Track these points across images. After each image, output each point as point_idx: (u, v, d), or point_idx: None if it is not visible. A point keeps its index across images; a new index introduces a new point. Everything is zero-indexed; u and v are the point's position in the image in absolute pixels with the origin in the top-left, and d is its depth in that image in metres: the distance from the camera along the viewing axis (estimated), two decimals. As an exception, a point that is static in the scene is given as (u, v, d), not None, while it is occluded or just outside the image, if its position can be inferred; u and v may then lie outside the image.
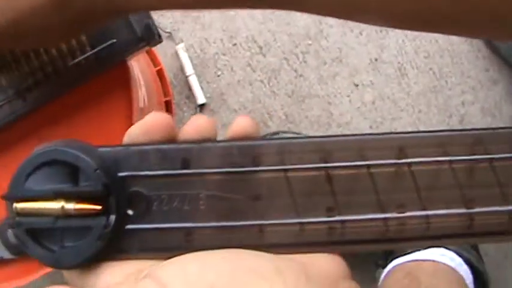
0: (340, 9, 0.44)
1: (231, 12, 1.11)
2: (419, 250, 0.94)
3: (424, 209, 0.35)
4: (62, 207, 0.33)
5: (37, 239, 0.34)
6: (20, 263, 0.68)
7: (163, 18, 1.10)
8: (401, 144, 0.35)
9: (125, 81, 0.68)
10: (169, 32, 1.09)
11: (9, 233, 0.66)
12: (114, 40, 0.64)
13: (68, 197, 0.34)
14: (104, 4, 0.47)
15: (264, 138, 0.36)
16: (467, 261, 0.94)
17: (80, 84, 0.65)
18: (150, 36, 0.65)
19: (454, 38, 1.16)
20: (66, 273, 0.36)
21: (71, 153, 0.34)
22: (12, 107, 0.64)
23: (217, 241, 0.34)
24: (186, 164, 0.35)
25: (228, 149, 0.35)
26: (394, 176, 0.35)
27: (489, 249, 1.12)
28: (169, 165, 0.35)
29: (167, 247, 0.34)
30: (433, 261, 0.92)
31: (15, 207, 0.34)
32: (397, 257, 0.96)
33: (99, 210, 0.34)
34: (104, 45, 0.64)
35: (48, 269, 0.67)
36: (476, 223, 0.35)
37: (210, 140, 0.36)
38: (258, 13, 1.12)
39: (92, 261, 0.34)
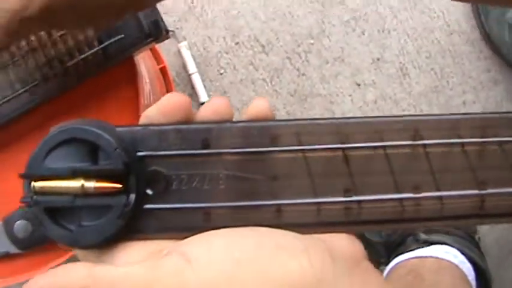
0: None
1: (234, 11, 1.11)
2: (422, 247, 0.95)
3: (438, 190, 0.35)
4: (82, 185, 0.33)
5: (55, 219, 0.34)
6: (26, 258, 0.68)
7: (166, 17, 1.10)
8: (416, 126, 0.36)
9: (131, 76, 0.69)
10: (173, 30, 1.10)
11: (16, 227, 0.66)
12: (122, 35, 0.64)
13: (88, 176, 0.33)
14: None
15: (281, 120, 0.36)
16: (470, 259, 0.94)
17: (87, 79, 0.65)
18: (158, 32, 0.65)
19: (456, 39, 1.17)
20: (80, 254, 0.36)
21: (91, 131, 0.34)
22: (20, 102, 0.64)
23: (236, 220, 0.34)
24: (205, 144, 0.35)
25: (247, 129, 0.36)
26: (409, 158, 0.35)
27: (491, 248, 1.12)
28: (189, 145, 0.35)
29: (186, 227, 0.34)
30: (436, 258, 0.92)
31: (34, 186, 0.34)
32: (399, 254, 0.96)
33: (120, 188, 0.34)
34: (112, 40, 0.64)
35: (55, 263, 0.67)
36: (487, 204, 0.35)
37: (229, 120, 0.36)
38: (260, 12, 1.12)
39: (111, 241, 0.34)
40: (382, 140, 0.35)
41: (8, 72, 0.64)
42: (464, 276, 0.91)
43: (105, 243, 0.33)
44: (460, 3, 1.17)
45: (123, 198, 0.33)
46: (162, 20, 0.65)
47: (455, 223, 0.36)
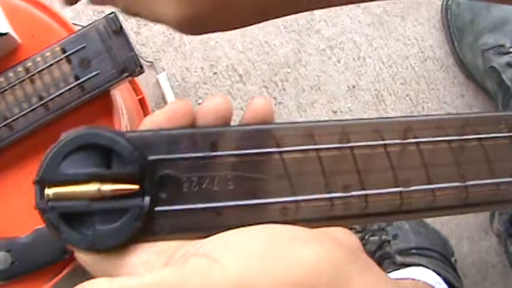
0: None
1: (212, 42, 1.13)
2: (398, 269, 0.96)
3: (430, 183, 0.38)
4: (99, 189, 0.34)
5: (70, 224, 0.34)
6: (6, 289, 0.69)
7: (145, 48, 1.12)
8: (407, 127, 0.39)
9: (107, 110, 0.70)
10: (151, 62, 1.11)
11: (-3, 259, 0.67)
12: (98, 71, 0.66)
13: (103, 180, 0.34)
14: None
15: (283, 122, 0.38)
16: (446, 280, 0.96)
17: (65, 113, 0.67)
18: (133, 68, 0.66)
19: (430, 65, 1.19)
20: (88, 260, 0.36)
21: (107, 136, 0.35)
22: (-1, 137, 0.66)
23: (246, 219, 0.36)
24: (214, 147, 0.37)
25: (252, 132, 0.38)
26: (402, 154, 0.39)
27: (468, 270, 1.13)
28: (198, 148, 0.37)
29: (198, 227, 0.35)
30: (413, 279, 0.93)
31: (48, 193, 0.34)
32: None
33: (137, 190, 0.34)
34: (88, 76, 0.66)
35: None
36: (471, 195, 0.39)
37: (236, 124, 0.38)
38: (238, 42, 1.14)
39: (128, 243, 0.34)
40: (381, 139, 0.39)
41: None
42: (439, 297, 0.92)
43: (122, 245, 0.34)
44: (433, 30, 1.20)
45: (139, 200, 0.34)
46: (136, 55, 0.67)
47: (445, 213, 0.40)
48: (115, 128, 0.35)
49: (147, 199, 0.35)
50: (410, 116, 0.40)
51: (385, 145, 0.39)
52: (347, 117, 1.16)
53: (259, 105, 0.39)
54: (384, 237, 1.02)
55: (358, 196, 0.38)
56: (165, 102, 1.11)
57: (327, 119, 1.13)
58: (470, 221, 1.15)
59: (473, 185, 0.39)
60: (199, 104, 1.12)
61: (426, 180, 0.39)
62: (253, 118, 0.39)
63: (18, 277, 0.68)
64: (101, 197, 0.34)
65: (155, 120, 0.38)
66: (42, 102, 0.66)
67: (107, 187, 0.34)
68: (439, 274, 0.96)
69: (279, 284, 0.30)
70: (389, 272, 0.97)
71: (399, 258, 0.98)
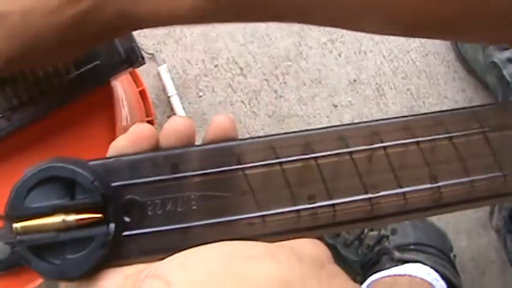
0: (345, 16, 0.45)
1: (213, 34, 1.13)
2: (396, 265, 0.96)
3: (400, 187, 0.38)
4: (63, 220, 0.35)
5: (39, 255, 0.35)
6: (6, 278, 0.69)
7: (146, 40, 1.11)
8: (373, 131, 0.39)
9: (108, 101, 0.70)
10: (152, 54, 1.11)
11: (-5, 249, 0.67)
12: (98, 62, 0.66)
13: (67, 211, 0.35)
14: (122, 20, 0.48)
15: (244, 138, 0.39)
16: (443, 276, 0.96)
17: (64, 104, 0.67)
18: (134, 59, 0.66)
19: (431, 60, 1.19)
20: (63, 285, 0.37)
21: (67, 168, 0.35)
22: (-4, 127, 0.66)
23: (212, 236, 0.36)
24: (175, 169, 0.37)
25: (212, 151, 0.38)
26: (369, 159, 0.38)
27: (467, 266, 1.14)
28: (160, 171, 0.37)
29: (165, 248, 0.36)
30: (410, 275, 0.93)
31: (16, 227, 0.35)
32: (375, 273, 0.97)
33: (101, 218, 0.35)
34: (88, 66, 0.66)
35: (33, 284, 0.68)
36: (444, 195, 0.39)
37: (197, 144, 0.39)
38: (239, 35, 1.14)
39: (95, 270, 0.35)
40: (347, 146, 0.39)
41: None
42: (437, 293, 0.92)
43: (90, 272, 0.35)
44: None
45: (103, 228, 0.35)
46: (137, 46, 0.66)
47: (416, 216, 0.40)
48: (80, 159, 0.36)
49: (111, 226, 0.35)
50: (376, 120, 0.40)
51: (350, 152, 0.39)
52: (348, 111, 1.16)
53: (220, 122, 0.39)
54: (382, 232, 1.02)
55: (326, 206, 0.38)
56: (166, 94, 1.11)
57: (324, 114, 1.13)
58: (469, 216, 1.15)
59: (446, 185, 0.39)
60: (200, 96, 1.12)
61: (396, 184, 0.38)
62: (215, 135, 0.39)
63: (17, 267, 0.68)
64: (67, 227, 0.35)
65: (119, 146, 0.38)
66: (42, 92, 0.66)
67: (71, 217, 0.35)
68: (436, 270, 0.96)
69: None
70: (387, 268, 0.97)
71: (397, 254, 0.98)
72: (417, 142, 0.39)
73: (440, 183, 0.39)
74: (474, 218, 1.15)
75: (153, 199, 0.37)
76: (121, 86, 0.78)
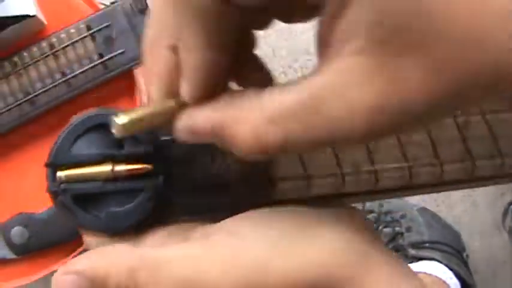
0: None
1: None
2: (411, 262, 0.96)
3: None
4: (112, 169, 0.33)
5: (83, 206, 0.33)
6: (22, 263, 0.69)
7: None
8: None
9: (129, 89, 0.70)
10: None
11: (12, 232, 0.67)
12: (122, 50, 0.66)
13: (115, 160, 0.33)
14: None
15: None
16: (458, 275, 0.95)
17: (87, 91, 0.67)
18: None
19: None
20: (100, 246, 0.34)
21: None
22: (21, 111, 0.66)
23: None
24: None
25: None
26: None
27: (478, 266, 1.13)
28: None
29: (211, 206, 0.35)
30: (425, 273, 0.93)
31: (60, 176, 0.33)
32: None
33: (151, 169, 0.33)
34: (112, 54, 0.66)
35: (51, 269, 0.68)
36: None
37: None
38: (258, 27, 1.13)
39: (142, 224, 0.33)
40: None
41: (10, 81, 0.66)
42: (451, 291, 0.92)
43: (135, 227, 0.33)
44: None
45: (153, 180, 0.33)
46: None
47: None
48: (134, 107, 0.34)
49: (161, 178, 0.34)
50: None
51: None
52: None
53: None
54: (397, 229, 1.02)
55: (368, 171, 0.36)
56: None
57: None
58: (483, 216, 1.15)
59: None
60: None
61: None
62: None
63: (33, 252, 0.68)
64: (115, 177, 0.33)
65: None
66: (65, 78, 0.66)
67: (121, 167, 0.33)
68: (451, 269, 0.96)
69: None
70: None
71: (412, 251, 0.98)
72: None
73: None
74: (488, 218, 1.15)
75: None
76: (142, 74, 0.78)
